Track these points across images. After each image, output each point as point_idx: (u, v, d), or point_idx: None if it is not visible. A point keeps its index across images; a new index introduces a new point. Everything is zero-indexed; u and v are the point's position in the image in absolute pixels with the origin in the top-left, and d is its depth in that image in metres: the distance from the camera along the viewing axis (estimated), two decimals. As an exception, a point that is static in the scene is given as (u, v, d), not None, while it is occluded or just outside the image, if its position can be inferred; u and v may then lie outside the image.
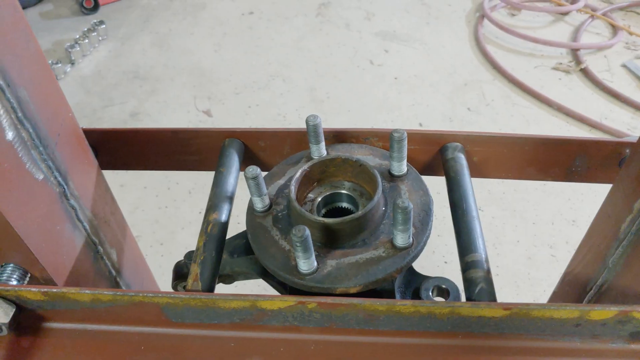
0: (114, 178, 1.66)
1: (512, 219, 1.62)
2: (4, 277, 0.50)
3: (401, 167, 0.54)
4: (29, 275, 0.52)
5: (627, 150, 0.61)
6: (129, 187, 1.67)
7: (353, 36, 2.50)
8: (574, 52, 2.31)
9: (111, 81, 2.19)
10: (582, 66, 2.20)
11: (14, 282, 0.50)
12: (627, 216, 0.55)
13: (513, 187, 1.69)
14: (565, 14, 2.57)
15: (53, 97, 0.52)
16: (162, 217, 1.58)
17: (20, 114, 0.47)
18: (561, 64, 2.26)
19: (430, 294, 0.54)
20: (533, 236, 1.56)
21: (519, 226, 1.59)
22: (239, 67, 2.28)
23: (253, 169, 0.49)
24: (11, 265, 0.51)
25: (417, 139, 0.61)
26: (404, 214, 0.44)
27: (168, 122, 1.97)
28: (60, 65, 2.14)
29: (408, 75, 2.26)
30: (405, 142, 0.52)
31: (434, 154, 0.63)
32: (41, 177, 0.50)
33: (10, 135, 0.46)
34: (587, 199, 1.57)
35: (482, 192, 1.70)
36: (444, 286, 0.53)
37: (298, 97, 2.11)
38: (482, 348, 0.48)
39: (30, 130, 0.48)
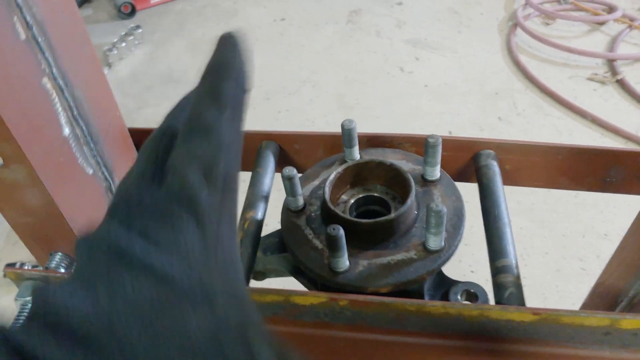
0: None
1: (541, 229, 1.60)
2: (53, 265, 0.53)
3: (434, 172, 0.55)
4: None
5: (664, 162, 0.60)
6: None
7: (383, 43, 2.51)
8: (610, 63, 2.26)
9: (146, 84, 2.26)
10: (619, 77, 2.15)
11: (62, 270, 0.53)
12: (662, 228, 0.55)
13: (543, 198, 1.67)
14: (602, 23, 2.52)
15: (104, 98, 0.55)
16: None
17: (75, 112, 0.50)
18: (596, 74, 2.22)
19: (459, 297, 0.54)
20: (562, 248, 1.53)
21: (548, 238, 1.57)
22: (270, 72, 2.32)
23: (290, 170, 0.51)
24: (60, 253, 0.54)
25: (450, 145, 0.62)
26: (437, 217, 0.45)
27: (200, 125, 2.02)
28: (99, 67, 2.23)
29: (438, 83, 2.25)
30: (440, 147, 0.53)
31: (466, 161, 0.63)
32: (91, 171, 0.53)
33: (66, 131, 0.49)
34: (621, 212, 1.53)
35: (511, 202, 1.67)
36: (472, 290, 0.54)
37: (327, 103, 2.13)
38: (510, 352, 0.48)
39: (84, 128, 0.51)
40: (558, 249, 1.54)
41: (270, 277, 0.64)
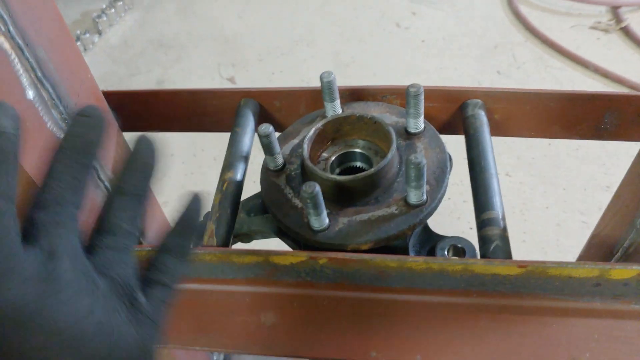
0: (142, 145, 1.69)
1: (542, 184, 1.57)
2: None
3: (418, 124, 0.53)
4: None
5: (661, 105, 0.57)
6: (156, 154, 1.70)
7: (379, -2, 2.42)
8: (614, 10, 2.18)
9: (137, 50, 2.20)
10: (623, 24, 2.07)
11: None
12: (657, 174, 0.53)
13: (543, 153, 1.64)
14: (607, -32, 2.41)
15: (72, 58, 0.52)
16: (189, 183, 1.61)
17: (39, 74, 0.47)
18: (600, 22, 2.14)
19: (446, 253, 0.53)
20: (563, 202, 1.51)
21: (548, 192, 1.55)
22: (263, 32, 2.26)
23: (265, 127, 0.49)
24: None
25: (436, 96, 0.59)
26: (416, 170, 0.43)
27: (193, 90, 1.98)
28: (88, 35, 2.17)
29: (436, 38, 2.18)
30: (422, 97, 0.51)
31: (453, 112, 0.61)
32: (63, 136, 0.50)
33: (30, 94, 0.47)
34: (624, 163, 1.50)
35: (511, 157, 1.65)
36: (460, 245, 0.53)
37: (322, 62, 2.08)
38: (498, 307, 0.47)
39: (50, 90, 0.49)
40: (559, 203, 1.52)
41: (257, 238, 0.63)
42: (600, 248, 0.66)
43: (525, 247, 1.43)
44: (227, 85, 2.01)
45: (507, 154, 1.66)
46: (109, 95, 0.61)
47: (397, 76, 2.00)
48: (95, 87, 0.56)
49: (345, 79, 2.01)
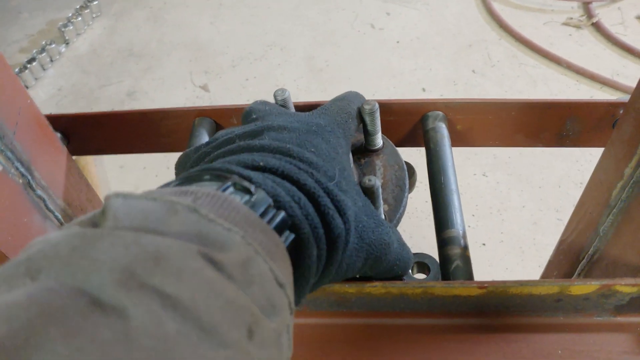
0: (114, 160, 1.66)
1: (518, 183, 1.58)
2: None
3: (375, 140, 0.51)
4: None
5: (621, 111, 0.57)
6: (129, 168, 1.67)
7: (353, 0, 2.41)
8: (586, 6, 2.20)
9: (107, 60, 2.16)
10: (594, 20, 2.09)
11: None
12: (618, 182, 0.52)
13: (519, 152, 1.64)
14: (576, -36, 2.43)
15: (6, 86, 0.50)
16: (163, 196, 1.57)
17: (-30, 105, 0.45)
18: (572, 18, 2.16)
19: (410, 271, 0.52)
20: (539, 200, 1.52)
21: (524, 191, 1.55)
22: (236, 38, 2.23)
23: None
24: (-21, 258, 0.50)
25: (396, 109, 0.58)
26: (370, 193, 0.42)
27: (165, 100, 1.94)
28: (54, 45, 2.11)
29: (410, 39, 2.18)
30: (378, 114, 0.49)
31: (414, 124, 0.60)
32: (0, 168, 0.48)
33: (-40, 126, 0.44)
34: (596, 159, 1.51)
35: (488, 157, 1.66)
36: (424, 262, 0.52)
37: (296, 67, 2.06)
38: (461, 327, 0.46)
39: (-16, 121, 0.47)
40: (535, 201, 1.53)
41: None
42: (568, 254, 0.66)
43: (503, 247, 1.43)
44: (200, 93, 1.98)
45: (484, 154, 1.66)
46: (57, 119, 0.59)
47: (372, 79, 2.00)
48: (36, 112, 0.53)
49: (319, 84, 2.00)
